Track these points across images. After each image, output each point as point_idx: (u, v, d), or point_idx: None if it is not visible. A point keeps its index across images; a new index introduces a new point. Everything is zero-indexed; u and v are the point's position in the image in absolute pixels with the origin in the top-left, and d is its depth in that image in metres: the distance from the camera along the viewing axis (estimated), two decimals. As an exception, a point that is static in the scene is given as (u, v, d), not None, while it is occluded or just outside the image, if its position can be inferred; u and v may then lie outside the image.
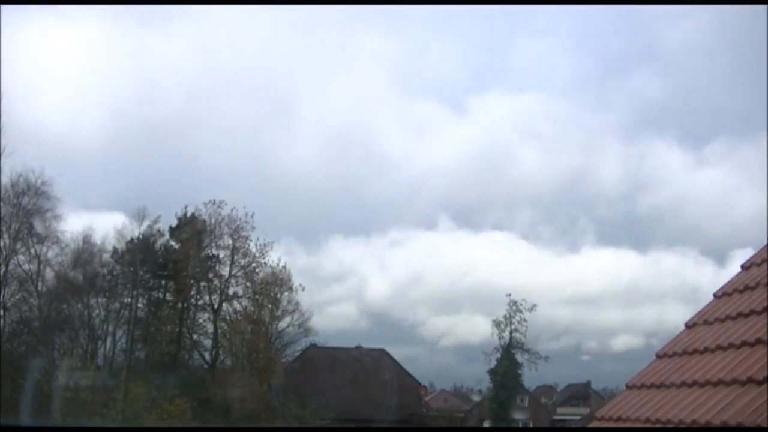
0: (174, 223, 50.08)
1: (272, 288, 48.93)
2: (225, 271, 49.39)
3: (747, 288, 5.88)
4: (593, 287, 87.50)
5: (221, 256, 49.74)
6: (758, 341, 4.99)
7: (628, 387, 6.13)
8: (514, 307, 57.36)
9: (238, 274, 49.45)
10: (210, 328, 49.99)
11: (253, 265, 48.99)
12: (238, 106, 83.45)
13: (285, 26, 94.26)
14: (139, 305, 48.48)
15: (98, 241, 47.67)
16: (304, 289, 50.07)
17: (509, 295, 57.88)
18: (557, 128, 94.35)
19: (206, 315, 50.12)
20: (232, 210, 48.36)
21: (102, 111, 75.02)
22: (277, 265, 48.74)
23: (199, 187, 73.20)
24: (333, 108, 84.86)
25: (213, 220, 48.90)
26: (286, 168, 79.55)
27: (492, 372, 58.23)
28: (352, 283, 77.65)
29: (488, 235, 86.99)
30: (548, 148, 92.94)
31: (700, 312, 6.32)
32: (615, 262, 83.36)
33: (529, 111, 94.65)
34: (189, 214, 49.68)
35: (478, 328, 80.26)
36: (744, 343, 5.12)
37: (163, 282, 50.37)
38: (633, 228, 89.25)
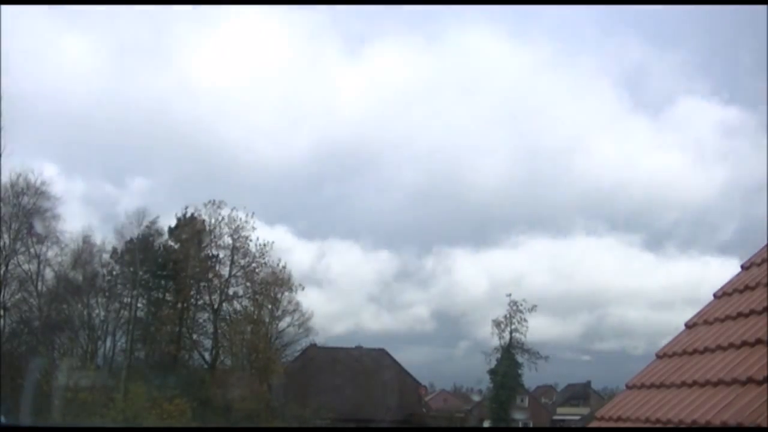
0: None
1: (272, 288, 48.94)
2: (225, 271, 49.52)
3: (747, 288, 5.88)
4: (675, 293, 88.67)
5: (221, 256, 49.86)
6: (758, 341, 4.98)
7: (628, 387, 6.12)
8: (514, 307, 57.36)
9: (238, 274, 49.50)
10: (210, 328, 50.07)
11: (253, 265, 49.03)
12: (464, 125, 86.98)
13: (529, 40, 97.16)
14: (139, 305, 48.51)
15: (97, 241, 47.80)
16: (303, 289, 50.23)
17: (509, 295, 57.93)
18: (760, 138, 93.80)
19: (206, 315, 50.20)
20: (232, 210, 48.46)
21: (311, 133, 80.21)
22: (277, 265, 48.85)
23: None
24: (551, 122, 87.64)
25: (213, 220, 48.99)
26: (468, 181, 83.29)
27: (492, 372, 58.13)
28: (442, 287, 79.37)
29: (610, 241, 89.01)
30: (740, 160, 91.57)
31: (700, 312, 6.31)
32: (710, 269, 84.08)
33: (734, 122, 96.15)
34: (188, 215, 49.72)
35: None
36: (744, 343, 5.12)
37: (163, 282, 50.34)
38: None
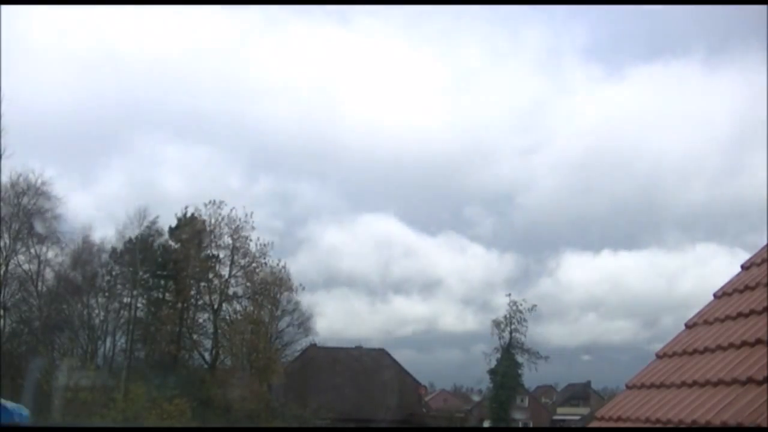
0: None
1: (272, 288, 48.92)
2: (225, 271, 49.41)
3: (747, 288, 5.87)
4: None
5: (221, 256, 49.76)
6: (758, 341, 4.98)
7: (628, 387, 6.12)
8: (514, 307, 57.41)
9: (238, 274, 49.44)
10: (210, 328, 50.02)
11: (253, 265, 48.99)
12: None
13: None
14: (139, 305, 48.54)
15: (97, 241, 47.82)
16: (304, 289, 50.27)
17: (509, 294, 58.03)
18: None
19: (206, 315, 50.17)
20: (231, 210, 48.41)
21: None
22: (277, 265, 48.82)
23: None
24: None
25: (213, 220, 48.87)
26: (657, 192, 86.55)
27: (492, 372, 58.20)
28: (543, 288, 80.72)
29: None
30: None
31: (700, 312, 6.30)
32: None
33: None
34: (189, 215, 49.69)
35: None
36: (744, 343, 5.12)
37: (163, 282, 50.35)
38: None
